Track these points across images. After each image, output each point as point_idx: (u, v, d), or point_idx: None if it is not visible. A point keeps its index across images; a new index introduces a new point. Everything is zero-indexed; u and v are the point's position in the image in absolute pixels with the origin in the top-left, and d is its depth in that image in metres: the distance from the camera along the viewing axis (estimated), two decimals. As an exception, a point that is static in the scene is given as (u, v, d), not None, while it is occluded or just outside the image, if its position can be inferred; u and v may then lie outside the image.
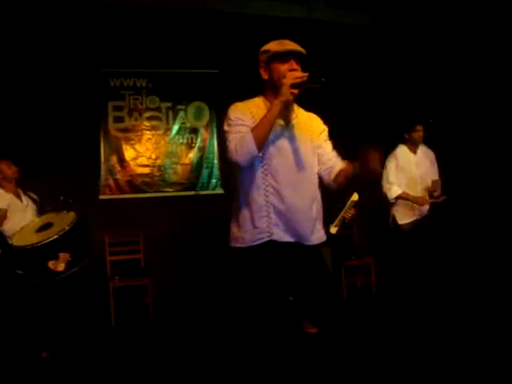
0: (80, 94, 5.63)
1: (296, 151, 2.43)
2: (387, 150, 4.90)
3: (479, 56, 6.26)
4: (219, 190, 6.11)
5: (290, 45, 2.44)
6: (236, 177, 2.52)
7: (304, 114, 2.57)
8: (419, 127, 4.75)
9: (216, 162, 6.13)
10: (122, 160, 5.82)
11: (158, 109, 5.98)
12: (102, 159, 5.76)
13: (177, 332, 4.71)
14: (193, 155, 6.07)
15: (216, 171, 6.12)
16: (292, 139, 2.45)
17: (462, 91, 6.31)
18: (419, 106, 6.02)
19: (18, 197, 4.34)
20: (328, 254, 4.58)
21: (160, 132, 5.97)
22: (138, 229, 5.59)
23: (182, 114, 6.06)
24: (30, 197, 4.43)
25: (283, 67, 2.42)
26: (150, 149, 5.93)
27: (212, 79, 6.11)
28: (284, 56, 2.42)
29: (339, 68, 6.20)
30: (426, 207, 4.77)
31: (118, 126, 5.84)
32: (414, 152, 4.83)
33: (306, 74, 2.32)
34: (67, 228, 3.72)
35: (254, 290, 2.42)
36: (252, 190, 2.41)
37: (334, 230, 4.39)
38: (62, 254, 3.63)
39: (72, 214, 3.97)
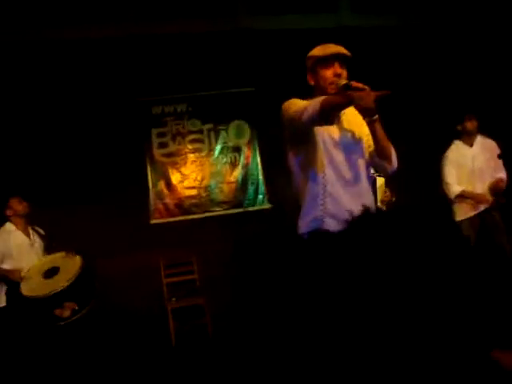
0: (124, 124, 5.84)
1: (348, 144, 2.51)
2: (443, 149, 4.80)
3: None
4: (266, 205, 6.15)
5: (332, 48, 2.50)
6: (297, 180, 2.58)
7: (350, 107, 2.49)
8: (471, 116, 4.60)
9: (261, 177, 6.19)
10: (169, 184, 5.97)
11: (199, 131, 6.12)
12: (150, 185, 5.92)
13: (237, 350, 4.73)
14: (237, 173, 6.15)
15: (262, 187, 6.18)
16: (342, 132, 2.52)
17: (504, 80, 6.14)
18: (466, 97, 5.87)
19: (27, 233, 4.36)
20: None
21: (203, 153, 6.10)
22: (190, 250, 5.69)
23: (223, 133, 6.17)
24: (38, 232, 4.45)
25: (328, 72, 2.48)
26: (195, 171, 6.06)
27: (249, 97, 6.21)
28: (327, 60, 2.48)
29: (375, 71, 6.17)
30: (489, 201, 4.56)
31: (162, 152, 6.01)
32: (471, 145, 4.66)
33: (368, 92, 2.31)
34: (73, 278, 3.80)
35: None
36: (310, 182, 2.48)
37: None
38: (67, 304, 3.72)
39: (78, 260, 4.01)
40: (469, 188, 4.57)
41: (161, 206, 5.92)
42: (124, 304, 5.40)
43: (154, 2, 5.90)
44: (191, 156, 6.08)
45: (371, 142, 2.54)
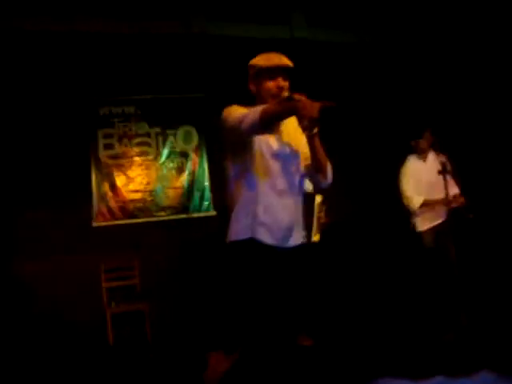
0: (69, 123, 5.69)
1: (285, 156, 2.54)
2: (398, 163, 4.92)
3: (470, 60, 6.39)
4: (211, 212, 6.14)
5: (276, 60, 2.51)
6: (231, 183, 2.63)
7: (290, 118, 2.49)
8: (424, 133, 4.76)
9: (207, 184, 6.18)
10: (113, 186, 5.86)
11: (147, 134, 6.05)
12: (94, 186, 5.79)
13: (175, 356, 4.69)
14: (184, 179, 6.12)
15: (207, 193, 6.17)
16: (281, 144, 2.55)
17: (458, 97, 6.38)
18: (420, 113, 6.07)
19: None
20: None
21: (150, 157, 6.03)
22: (132, 254, 5.61)
23: (171, 138, 6.12)
24: None
25: (271, 84, 2.50)
26: (141, 174, 5.98)
27: (199, 103, 6.19)
28: (271, 72, 2.49)
29: (325, 86, 6.31)
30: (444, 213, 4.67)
31: (108, 153, 5.89)
32: (424, 160, 4.82)
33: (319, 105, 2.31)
34: None
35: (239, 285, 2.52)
36: (245, 191, 2.52)
37: (315, 237, 4.47)
38: None
39: None
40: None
41: (104, 209, 5.80)
42: (62, 307, 5.27)
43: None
44: (137, 159, 6.00)
45: (308, 155, 2.56)
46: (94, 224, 5.72)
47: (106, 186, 5.84)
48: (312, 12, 6.50)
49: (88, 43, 5.71)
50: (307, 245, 2.69)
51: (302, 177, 2.65)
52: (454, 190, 4.70)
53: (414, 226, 4.83)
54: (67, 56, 5.68)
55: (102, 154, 5.87)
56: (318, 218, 4.40)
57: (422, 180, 4.74)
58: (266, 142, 2.51)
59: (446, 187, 4.50)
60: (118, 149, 5.93)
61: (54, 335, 5.07)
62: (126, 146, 5.96)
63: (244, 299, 2.51)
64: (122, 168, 5.93)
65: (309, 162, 2.60)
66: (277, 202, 2.49)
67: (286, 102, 2.38)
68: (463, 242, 4.78)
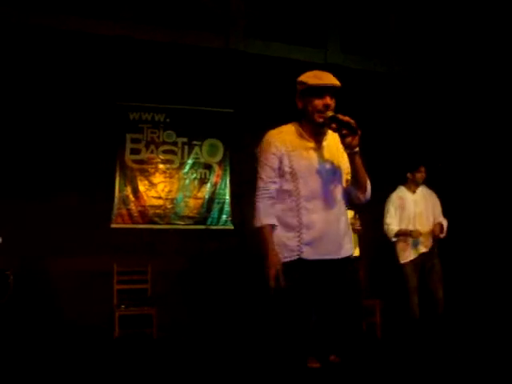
0: (100, 125, 5.81)
1: (327, 172, 2.57)
2: (388, 191, 5.03)
3: (484, 104, 6.45)
4: (229, 226, 6.18)
5: (325, 79, 2.55)
6: None
7: (333, 135, 2.60)
8: (422, 168, 4.92)
9: (227, 198, 6.23)
10: (136, 191, 5.95)
11: (174, 143, 6.14)
12: (117, 189, 5.89)
13: (179, 363, 4.70)
14: (205, 190, 6.18)
15: (227, 207, 6.22)
16: (322, 160, 2.58)
17: (465, 137, 6.46)
18: (424, 149, 6.19)
19: None
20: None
21: (175, 166, 6.11)
22: (146, 259, 5.67)
23: (197, 149, 6.20)
24: None
25: (318, 102, 2.53)
26: (164, 181, 6.06)
27: (227, 118, 6.28)
28: (320, 90, 2.52)
29: (349, 111, 6.38)
30: (429, 244, 4.84)
31: (134, 158, 6.00)
32: (414, 192, 4.97)
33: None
34: None
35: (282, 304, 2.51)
36: (286, 212, 2.55)
37: (355, 251, 4.56)
38: None
39: None
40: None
41: (124, 212, 5.89)
42: (72, 306, 5.34)
43: (147, 6, 5.97)
44: (162, 166, 6.09)
45: (349, 170, 2.61)
46: (113, 225, 5.81)
47: (129, 190, 5.94)
48: (347, 39, 6.59)
49: (126, 48, 5.85)
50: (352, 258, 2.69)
51: (344, 192, 2.67)
52: (442, 221, 4.89)
53: (396, 258, 4.92)
54: (105, 60, 5.82)
55: (128, 157, 5.98)
56: (354, 231, 4.52)
57: (408, 210, 4.88)
58: (308, 160, 2.57)
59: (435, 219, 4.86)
60: (144, 154, 6.04)
61: (63, 330, 5.13)
62: (152, 152, 6.06)
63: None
64: (145, 173, 6.03)
65: (349, 177, 2.64)
66: (318, 220, 2.53)
67: (330, 123, 2.50)
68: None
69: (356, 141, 2.43)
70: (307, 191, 2.53)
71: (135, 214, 5.90)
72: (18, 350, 4.59)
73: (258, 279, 2.98)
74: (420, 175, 4.92)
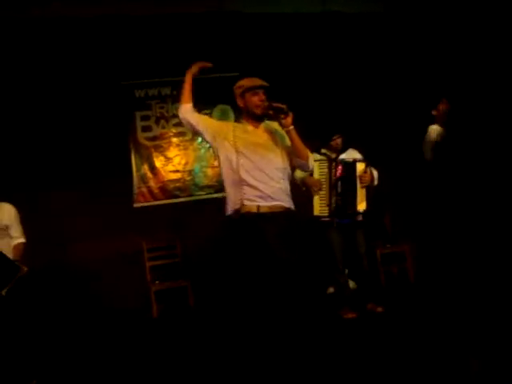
0: (108, 107, 5.80)
1: (262, 147, 3.22)
2: (415, 134, 4.83)
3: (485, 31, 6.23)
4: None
5: (258, 81, 3.31)
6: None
7: (273, 124, 3.34)
8: (444, 100, 4.64)
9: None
10: (152, 168, 5.97)
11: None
12: (134, 168, 5.91)
13: (218, 326, 4.74)
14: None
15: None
16: (260, 138, 3.26)
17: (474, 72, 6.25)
18: (439, 83, 5.94)
19: None
20: (361, 238, 4.66)
21: (187, 137, 6.09)
22: (174, 233, 5.73)
23: (207, 117, 6.16)
24: None
25: (255, 98, 3.26)
26: (179, 154, 6.06)
27: (233, 82, 6.16)
28: (255, 89, 3.27)
29: (352, 56, 6.29)
30: None
31: (146, 135, 6.00)
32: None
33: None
34: None
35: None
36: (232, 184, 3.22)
37: (361, 206, 4.52)
38: None
39: None
40: None
41: (144, 190, 5.92)
42: (107, 287, 5.44)
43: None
44: (175, 140, 6.08)
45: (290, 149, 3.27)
46: (136, 205, 5.86)
47: (146, 168, 5.96)
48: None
49: (122, 26, 5.76)
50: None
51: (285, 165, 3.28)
52: None
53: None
54: (102, 40, 5.76)
55: (141, 135, 5.98)
56: (361, 181, 4.47)
57: None
58: (249, 136, 3.28)
59: None
60: (156, 130, 6.03)
61: (100, 313, 5.24)
62: (163, 127, 6.05)
63: None
64: (160, 149, 6.04)
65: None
66: (259, 182, 3.18)
67: (268, 110, 3.22)
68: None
69: (289, 120, 3.15)
70: (246, 160, 3.18)
71: (156, 191, 5.93)
72: (60, 338, 4.68)
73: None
74: (444, 107, 4.59)
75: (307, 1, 6.27)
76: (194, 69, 3.63)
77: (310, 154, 3.30)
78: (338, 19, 6.26)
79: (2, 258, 3.51)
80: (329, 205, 4.43)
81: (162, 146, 6.04)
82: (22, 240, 3.94)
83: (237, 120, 6.18)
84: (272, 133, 3.31)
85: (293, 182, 4.34)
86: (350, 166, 4.50)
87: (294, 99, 5.96)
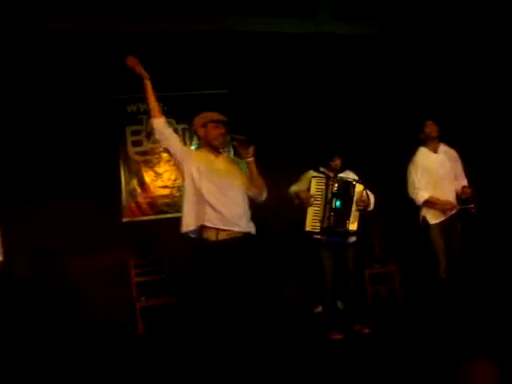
0: (99, 121, 5.79)
1: (224, 173, 3.43)
2: (406, 157, 4.83)
3: (482, 56, 6.33)
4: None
5: (221, 116, 3.56)
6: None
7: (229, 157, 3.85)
8: (429, 122, 4.66)
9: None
10: (142, 183, 5.95)
11: (174, 130, 6.07)
12: (123, 183, 5.89)
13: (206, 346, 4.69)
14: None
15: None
16: (221, 165, 3.48)
17: (467, 93, 6.34)
18: (427, 105, 6.02)
19: None
20: (351, 256, 4.67)
21: (178, 153, 6.07)
22: (161, 249, 5.69)
23: (198, 134, 6.17)
24: None
25: (216, 131, 3.49)
26: (168, 170, 6.04)
27: (223, 99, 6.22)
28: (217, 123, 3.52)
29: (347, 78, 6.34)
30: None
31: (137, 150, 5.99)
32: (435, 151, 4.70)
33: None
34: None
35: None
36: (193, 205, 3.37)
37: (353, 226, 4.51)
38: None
39: None
40: (435, 193, 4.59)
41: (133, 205, 5.89)
42: (92, 303, 5.38)
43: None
44: (165, 155, 6.01)
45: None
46: (124, 219, 5.82)
47: (135, 182, 5.94)
48: (336, 5, 6.45)
49: (115, 42, 5.77)
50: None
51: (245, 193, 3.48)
52: (463, 181, 4.72)
53: (423, 220, 4.67)
54: (95, 55, 5.76)
55: (131, 150, 5.97)
56: (358, 204, 4.49)
57: (433, 172, 4.62)
58: (213, 166, 3.47)
59: (457, 180, 4.69)
60: (146, 145, 6.02)
61: (85, 328, 5.18)
62: (153, 142, 6.02)
63: None
64: (150, 164, 6.03)
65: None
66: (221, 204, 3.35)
67: (231, 142, 3.64)
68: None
69: (251, 151, 3.38)
70: (210, 189, 3.36)
71: (144, 206, 5.91)
72: (43, 352, 4.62)
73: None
74: (429, 129, 4.62)
75: (300, 22, 6.35)
76: (136, 67, 3.73)
77: (264, 186, 3.53)
78: (330, 40, 6.32)
79: None
80: (322, 221, 4.45)
81: (151, 162, 6.03)
82: (1, 258, 3.83)
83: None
84: (233, 161, 3.63)
85: (285, 197, 4.60)
86: (349, 184, 4.53)
87: (284, 120, 6.13)
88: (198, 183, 3.34)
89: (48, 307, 5.24)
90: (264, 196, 3.54)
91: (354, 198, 4.49)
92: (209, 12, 6.10)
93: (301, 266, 5.83)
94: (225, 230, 3.29)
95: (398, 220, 5.97)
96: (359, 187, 4.52)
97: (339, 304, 5.07)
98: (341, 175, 4.66)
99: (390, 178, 5.51)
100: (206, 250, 3.33)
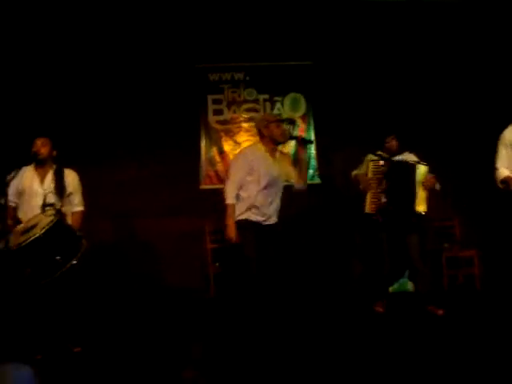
0: (181, 88, 5.90)
1: (278, 174, 4.04)
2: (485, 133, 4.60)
3: None
4: (316, 181, 6.11)
5: (280, 116, 4.63)
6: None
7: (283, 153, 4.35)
8: None
9: (313, 152, 6.13)
10: (221, 151, 6.03)
11: (255, 101, 6.11)
12: (203, 151, 5.99)
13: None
14: (290, 146, 6.11)
15: (313, 162, 6.12)
16: (276, 167, 4.03)
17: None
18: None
19: (42, 177, 3.87)
20: (415, 241, 4.56)
21: (258, 123, 6.08)
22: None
23: (278, 105, 6.14)
24: (58, 180, 3.87)
25: (278, 130, 4.03)
26: (248, 140, 6.05)
27: (307, 71, 6.13)
28: (278, 122, 4.07)
29: (437, 47, 6.06)
30: None
31: (217, 119, 6.05)
32: None
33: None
34: (47, 227, 3.39)
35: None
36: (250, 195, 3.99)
37: (421, 208, 4.41)
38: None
39: (53, 217, 3.54)
40: None
41: (212, 173, 5.99)
42: (168, 265, 5.57)
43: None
44: (245, 125, 6.09)
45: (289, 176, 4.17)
46: (202, 187, 5.94)
47: (215, 151, 6.03)
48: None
49: (201, 9, 5.81)
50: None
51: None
52: None
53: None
54: (181, 22, 5.83)
55: (212, 119, 6.04)
56: (424, 186, 4.38)
57: None
58: (267, 168, 3.99)
59: None
60: (227, 114, 6.07)
61: (160, 290, 5.38)
62: (234, 111, 6.08)
63: None
64: (230, 133, 6.08)
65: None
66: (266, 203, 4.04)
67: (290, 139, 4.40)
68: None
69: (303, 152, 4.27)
70: (262, 186, 3.96)
71: (222, 174, 5.98)
72: (118, 312, 4.84)
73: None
74: None
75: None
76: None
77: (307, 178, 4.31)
78: (420, 8, 6.01)
79: (70, 233, 3.63)
80: (377, 203, 4.44)
81: (232, 131, 6.08)
82: (82, 208, 3.99)
83: (307, 111, 6.19)
84: (287, 156, 4.36)
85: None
86: (405, 166, 4.45)
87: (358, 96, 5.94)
88: (257, 182, 3.95)
89: (125, 268, 5.51)
90: (305, 186, 4.19)
91: (416, 180, 4.37)
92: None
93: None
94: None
95: (483, 202, 5.67)
96: (422, 168, 4.40)
97: (410, 285, 5.13)
98: (398, 157, 4.56)
99: (477, 159, 5.25)
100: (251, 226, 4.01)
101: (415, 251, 4.55)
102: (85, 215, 4.01)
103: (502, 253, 4.93)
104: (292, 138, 4.42)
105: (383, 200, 4.40)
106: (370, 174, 4.47)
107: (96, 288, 4.90)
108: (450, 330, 4.04)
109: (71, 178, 3.96)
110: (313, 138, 6.14)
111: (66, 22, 5.60)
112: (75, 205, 3.97)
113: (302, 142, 4.21)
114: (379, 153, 4.60)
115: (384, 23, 6.03)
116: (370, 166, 4.48)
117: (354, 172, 4.75)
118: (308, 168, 4.70)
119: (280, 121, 4.16)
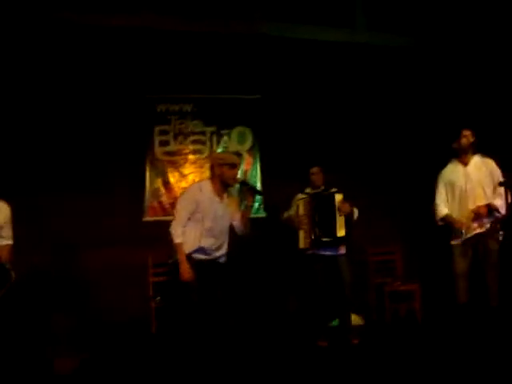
0: (128, 118, 5.82)
1: (223, 216, 4.03)
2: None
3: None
4: (261, 214, 6.12)
5: (237, 159, 4.15)
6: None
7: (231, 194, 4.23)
8: (465, 132, 4.40)
9: (259, 185, 6.15)
10: (166, 183, 5.95)
11: (202, 133, 6.10)
12: (148, 182, 5.89)
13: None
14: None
15: (258, 195, 6.13)
16: (222, 209, 4.02)
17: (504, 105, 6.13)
18: (463, 114, 5.84)
19: None
20: (345, 263, 4.82)
21: (204, 155, 6.07)
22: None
23: (225, 138, 6.15)
24: None
25: (231, 172, 3.98)
26: (194, 172, 6.03)
27: (254, 104, 6.20)
28: (233, 165, 4.00)
29: (382, 88, 6.27)
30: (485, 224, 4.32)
31: (163, 150, 5.99)
32: (465, 164, 4.43)
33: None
34: None
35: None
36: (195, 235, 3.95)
37: (340, 232, 4.69)
38: None
39: None
40: (460, 210, 4.38)
41: (156, 204, 5.89)
42: (108, 299, 5.38)
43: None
44: (191, 157, 6.06)
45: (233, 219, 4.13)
46: (145, 219, 5.82)
47: (159, 182, 5.94)
48: (373, 15, 6.39)
49: (149, 40, 5.81)
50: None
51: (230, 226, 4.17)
52: (498, 200, 4.28)
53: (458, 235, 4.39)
54: (129, 52, 5.80)
55: (158, 150, 5.97)
56: (339, 215, 4.67)
57: (458, 186, 4.38)
58: (213, 208, 3.98)
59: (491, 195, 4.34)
60: (173, 146, 6.02)
61: (98, 324, 5.18)
62: (180, 143, 6.04)
63: None
64: (175, 165, 6.02)
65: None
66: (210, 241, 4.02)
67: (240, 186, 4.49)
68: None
69: (251, 200, 4.19)
70: (208, 227, 3.95)
71: (167, 206, 5.89)
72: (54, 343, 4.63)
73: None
74: (464, 140, 4.34)
75: (338, 32, 6.29)
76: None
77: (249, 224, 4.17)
78: (365, 50, 6.26)
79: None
80: (309, 236, 4.72)
81: (177, 162, 6.03)
82: (11, 242, 3.90)
83: (253, 144, 6.22)
84: (234, 200, 4.26)
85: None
86: (327, 196, 4.78)
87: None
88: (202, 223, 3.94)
89: (64, 297, 5.28)
90: (247, 232, 4.18)
91: (336, 206, 4.68)
92: (246, 15, 6.09)
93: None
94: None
95: (424, 236, 5.84)
96: (338, 196, 4.72)
97: (358, 318, 5.29)
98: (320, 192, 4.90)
99: (420, 193, 5.42)
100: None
101: (348, 279, 4.78)
102: (13, 248, 3.91)
103: (442, 286, 5.05)
104: (244, 184, 4.36)
105: (317, 233, 4.68)
106: (301, 212, 4.81)
107: (31, 321, 4.69)
108: (391, 362, 4.11)
109: (3, 210, 3.83)
110: (259, 171, 6.20)
111: (11, 50, 5.47)
112: (4, 238, 3.87)
113: (253, 192, 4.21)
114: (307, 191, 4.93)
115: (328, 62, 6.23)
116: (300, 204, 4.83)
117: (285, 214, 5.08)
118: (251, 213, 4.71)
119: (236, 165, 4.07)
